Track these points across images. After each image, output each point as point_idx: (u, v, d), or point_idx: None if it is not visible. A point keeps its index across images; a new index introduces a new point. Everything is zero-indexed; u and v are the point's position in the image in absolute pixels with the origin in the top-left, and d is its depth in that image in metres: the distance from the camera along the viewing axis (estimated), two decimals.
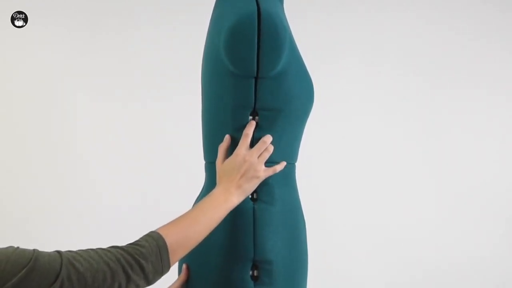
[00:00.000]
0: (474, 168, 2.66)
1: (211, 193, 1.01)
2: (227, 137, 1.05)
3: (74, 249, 0.86)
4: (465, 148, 2.66)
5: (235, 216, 1.03)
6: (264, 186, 1.06)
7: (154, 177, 2.45)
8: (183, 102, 2.38)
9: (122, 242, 0.90)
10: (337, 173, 2.56)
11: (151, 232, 0.91)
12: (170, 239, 0.90)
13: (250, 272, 1.02)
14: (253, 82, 1.02)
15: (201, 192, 1.17)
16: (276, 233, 1.05)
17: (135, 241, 0.89)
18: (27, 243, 0.82)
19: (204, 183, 1.16)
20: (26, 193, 2.40)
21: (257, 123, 1.04)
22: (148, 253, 0.86)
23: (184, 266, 1.11)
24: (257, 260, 1.02)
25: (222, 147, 1.05)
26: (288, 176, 1.11)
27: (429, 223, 2.62)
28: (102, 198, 2.44)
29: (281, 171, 1.08)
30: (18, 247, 0.78)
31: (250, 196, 1.05)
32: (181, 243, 0.91)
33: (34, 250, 0.79)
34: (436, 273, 2.62)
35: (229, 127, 1.06)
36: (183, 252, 0.92)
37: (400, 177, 2.61)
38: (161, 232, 0.91)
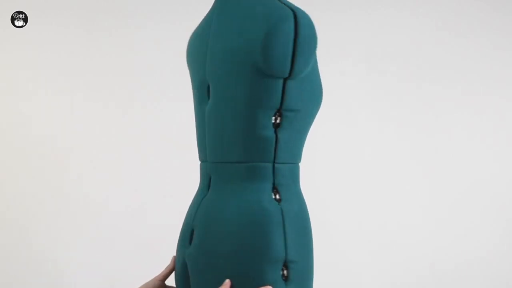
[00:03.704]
0: (474, 168, 2.66)
1: None
2: (227, 282, 1.03)
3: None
4: (465, 148, 2.66)
5: (265, 218, 1.04)
6: (284, 186, 1.08)
7: (153, 176, 2.45)
8: (183, 102, 2.39)
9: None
10: (338, 174, 2.56)
11: None
12: None
13: (281, 272, 1.04)
14: (281, 83, 1.03)
15: (196, 193, 1.17)
16: (298, 232, 1.07)
17: None
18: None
19: (200, 184, 1.17)
20: (22, 192, 2.40)
21: (280, 123, 1.06)
22: None
23: (172, 257, 1.18)
24: (287, 260, 1.04)
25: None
26: (297, 176, 1.13)
27: (429, 223, 2.62)
28: (98, 198, 2.44)
29: (292, 171, 1.10)
30: None
31: (273, 197, 1.07)
32: None
33: None
34: (437, 273, 2.62)
35: (251, 127, 1.06)
36: None
37: (400, 178, 2.61)
38: None
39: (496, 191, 2.67)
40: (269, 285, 1.02)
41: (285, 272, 1.04)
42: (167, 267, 1.18)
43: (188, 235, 1.13)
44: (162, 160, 2.44)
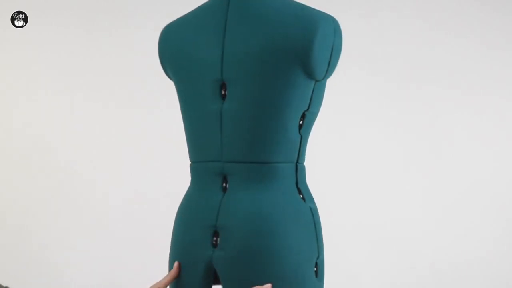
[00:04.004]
0: (474, 168, 2.66)
1: None
2: (268, 286, 1.04)
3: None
4: (465, 148, 2.66)
5: (302, 218, 1.09)
6: (303, 185, 1.12)
7: (153, 176, 2.45)
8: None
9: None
10: (339, 174, 2.56)
11: None
12: None
13: (314, 269, 1.09)
14: (313, 85, 1.08)
15: (200, 194, 1.15)
16: (320, 229, 1.13)
17: None
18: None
19: (201, 184, 1.15)
20: (22, 192, 2.40)
21: (302, 125, 1.10)
22: None
23: (176, 263, 1.13)
24: (318, 257, 1.10)
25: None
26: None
27: (429, 223, 2.62)
28: (98, 198, 2.44)
29: (304, 171, 1.13)
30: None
31: (301, 196, 1.11)
32: None
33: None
34: (437, 273, 2.62)
35: (283, 128, 1.08)
36: None
37: (400, 178, 2.61)
38: None
39: (496, 191, 2.67)
40: (309, 282, 1.07)
41: (315, 268, 1.09)
42: (169, 274, 1.12)
43: (209, 237, 1.08)
44: (162, 160, 2.44)
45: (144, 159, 2.46)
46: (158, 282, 1.11)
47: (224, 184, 1.11)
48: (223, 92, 1.10)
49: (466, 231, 2.64)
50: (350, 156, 2.58)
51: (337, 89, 2.52)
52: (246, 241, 1.06)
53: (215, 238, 1.08)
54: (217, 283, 1.12)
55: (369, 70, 2.60)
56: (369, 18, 2.62)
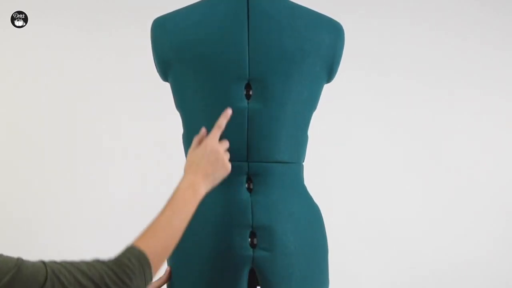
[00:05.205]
0: (474, 168, 2.66)
1: (178, 187, 0.98)
2: (203, 130, 1.07)
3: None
4: (465, 148, 2.66)
5: (321, 216, 1.18)
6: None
7: (156, 176, 2.45)
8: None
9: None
10: (340, 175, 2.56)
11: (131, 248, 0.89)
12: (151, 255, 0.88)
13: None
14: (323, 87, 1.17)
15: (223, 192, 1.11)
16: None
17: (118, 258, 0.87)
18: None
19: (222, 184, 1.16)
20: (23, 191, 2.40)
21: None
22: (132, 273, 0.84)
23: (168, 268, 1.15)
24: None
25: (197, 138, 1.07)
26: None
27: (429, 223, 2.62)
28: (98, 196, 2.44)
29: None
30: (1, 255, 0.77)
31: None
32: (161, 255, 0.90)
33: (18, 258, 0.76)
34: (437, 273, 2.62)
35: (305, 128, 1.15)
36: (163, 262, 0.91)
37: (400, 178, 2.61)
38: (141, 248, 0.89)
39: (496, 191, 2.67)
40: (328, 276, 1.16)
41: None
42: (160, 278, 1.12)
43: (247, 238, 1.06)
44: (163, 160, 2.44)
45: (145, 158, 2.46)
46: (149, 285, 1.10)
47: (248, 184, 1.09)
48: (245, 92, 1.08)
49: (466, 231, 2.64)
50: (350, 156, 2.58)
51: (337, 89, 2.53)
52: (287, 241, 1.08)
53: (251, 239, 1.07)
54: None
55: (369, 70, 2.60)
56: (369, 18, 2.62)
